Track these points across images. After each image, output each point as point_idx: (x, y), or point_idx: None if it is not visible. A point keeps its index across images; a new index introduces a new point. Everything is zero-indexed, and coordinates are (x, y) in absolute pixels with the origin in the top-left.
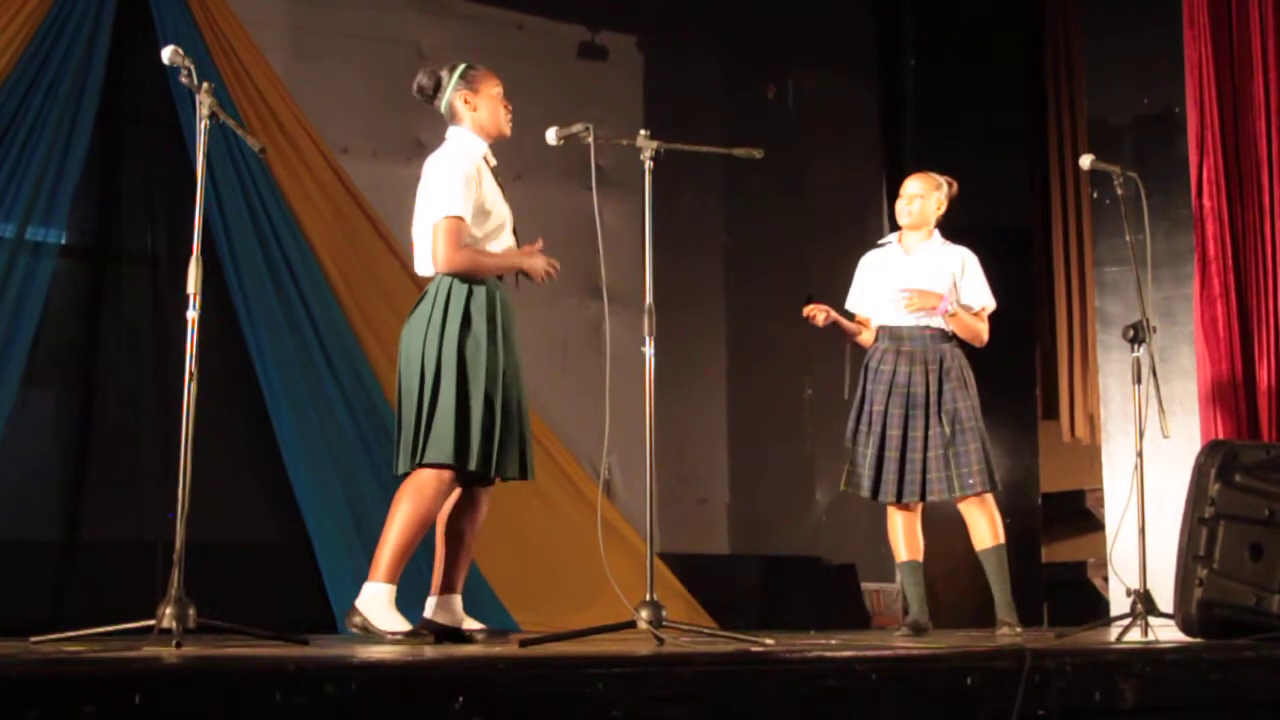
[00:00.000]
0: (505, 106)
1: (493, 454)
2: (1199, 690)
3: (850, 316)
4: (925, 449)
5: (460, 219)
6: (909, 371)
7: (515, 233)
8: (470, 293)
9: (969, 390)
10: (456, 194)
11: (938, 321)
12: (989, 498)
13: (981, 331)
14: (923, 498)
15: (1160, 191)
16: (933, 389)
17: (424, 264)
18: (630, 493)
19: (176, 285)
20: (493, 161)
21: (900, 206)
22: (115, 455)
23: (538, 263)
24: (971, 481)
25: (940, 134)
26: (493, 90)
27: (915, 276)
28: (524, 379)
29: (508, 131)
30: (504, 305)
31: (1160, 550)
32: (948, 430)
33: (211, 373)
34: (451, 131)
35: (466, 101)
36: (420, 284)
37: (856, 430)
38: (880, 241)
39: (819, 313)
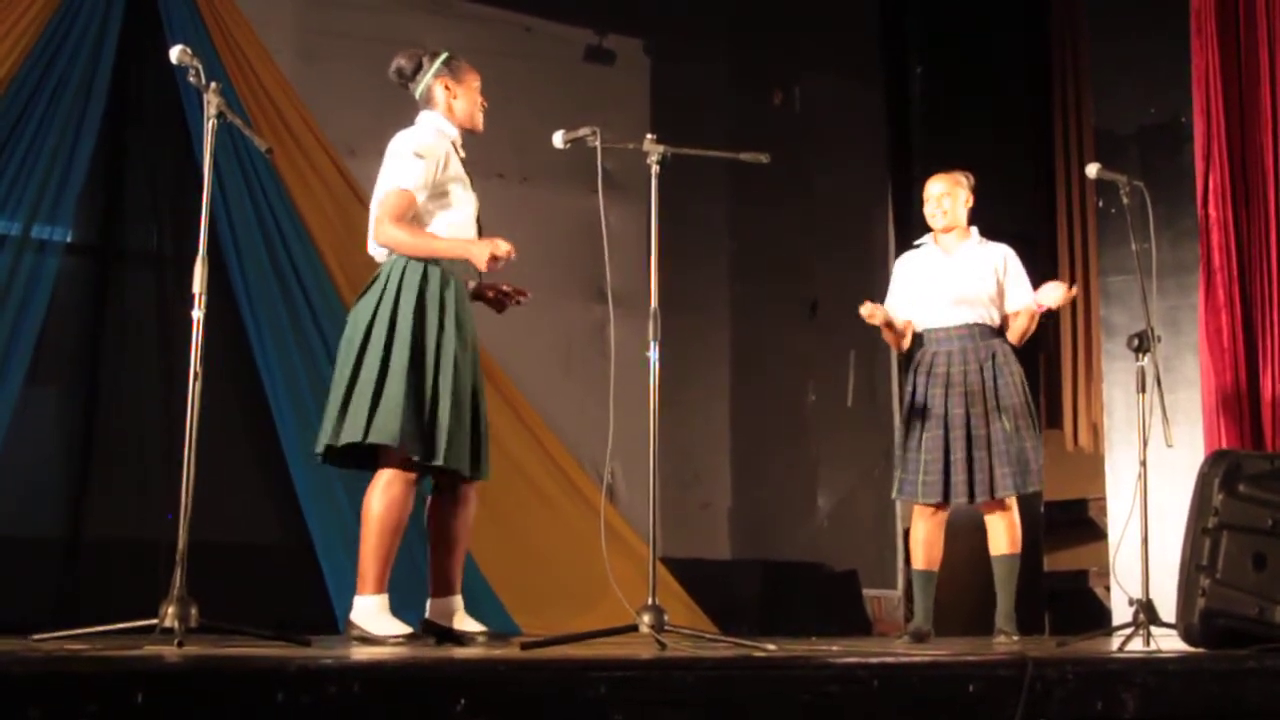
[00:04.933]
0: (482, 102)
1: (440, 441)
2: (1201, 701)
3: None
4: (989, 446)
5: (407, 193)
6: (963, 370)
7: (480, 225)
8: (424, 275)
9: (1015, 391)
10: (413, 169)
11: (985, 318)
12: (1014, 504)
13: (1031, 330)
14: (992, 495)
15: (1166, 201)
16: (988, 384)
17: (374, 243)
18: (633, 497)
19: (181, 284)
20: (462, 154)
21: (929, 210)
22: (118, 454)
23: (482, 249)
24: (1032, 478)
25: (945, 141)
26: (473, 83)
27: (960, 277)
28: (480, 373)
29: (481, 127)
30: (459, 294)
31: (1163, 560)
32: (1009, 425)
33: (215, 372)
34: (423, 114)
35: (448, 89)
36: None
37: (907, 438)
38: (916, 243)
39: (878, 311)
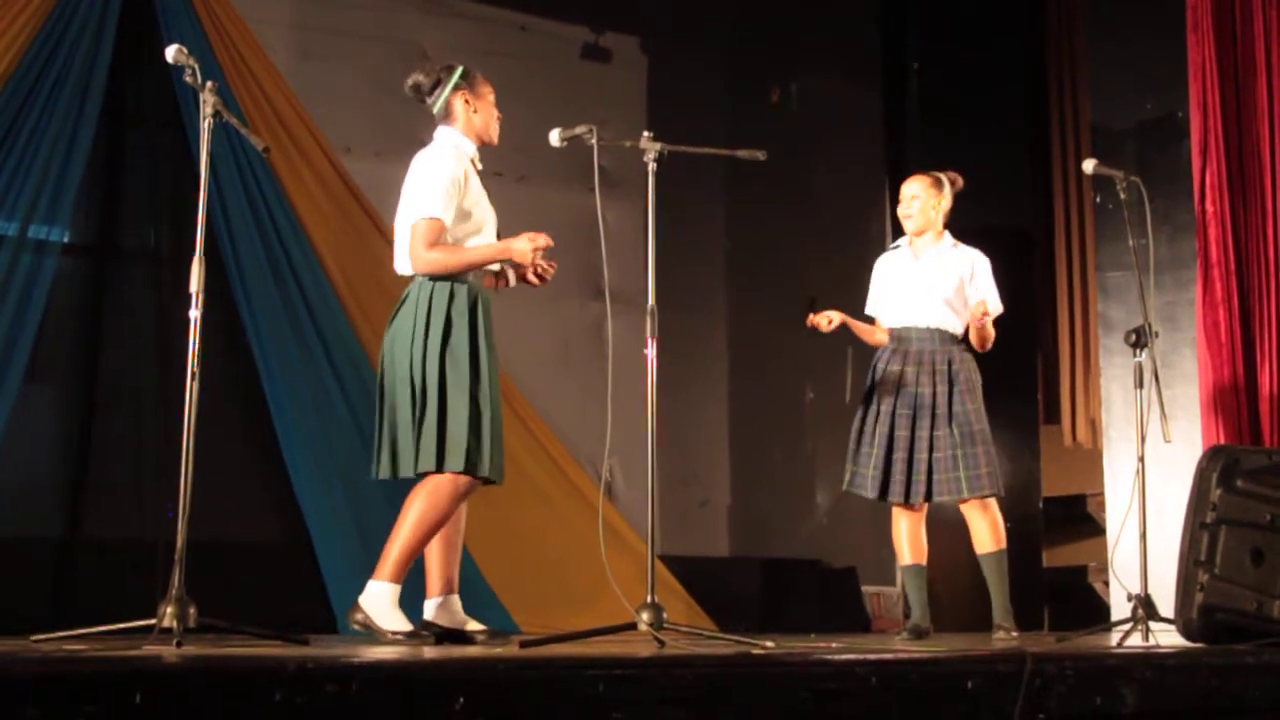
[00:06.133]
0: (498, 114)
1: (499, 457)
2: (1199, 696)
3: (871, 321)
4: (932, 450)
5: (438, 221)
6: (916, 373)
7: (499, 237)
8: (452, 294)
9: (975, 394)
10: (438, 195)
11: (946, 323)
12: (992, 502)
13: (991, 336)
14: (929, 498)
15: (1163, 196)
16: (940, 391)
17: (403, 263)
18: (631, 494)
19: (179, 284)
20: (479, 165)
21: (900, 211)
22: (116, 454)
23: (523, 248)
24: (981, 483)
25: (943, 138)
26: (490, 95)
27: (924, 279)
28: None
29: (496, 139)
30: (485, 306)
31: (1161, 555)
32: (956, 432)
33: (213, 372)
34: (442, 131)
35: (467, 103)
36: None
37: (861, 431)
38: (893, 245)
39: (822, 319)
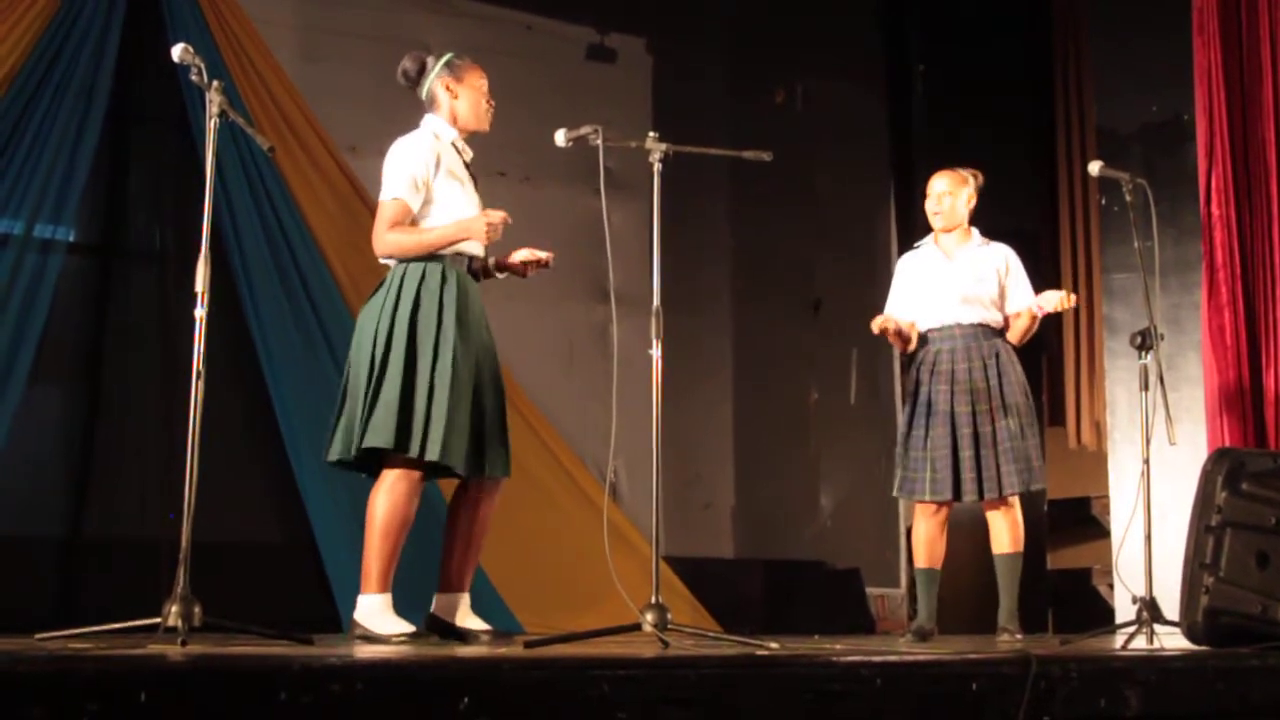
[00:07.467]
0: (488, 101)
1: (435, 438)
2: (1204, 699)
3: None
4: (995, 444)
5: (400, 203)
6: (967, 368)
7: None
8: (423, 275)
9: (1024, 387)
10: (402, 178)
11: (988, 319)
12: (1016, 502)
13: (1034, 330)
14: (1000, 494)
15: (1168, 199)
16: (993, 383)
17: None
18: (636, 496)
19: (184, 283)
20: (468, 154)
21: (930, 207)
22: (121, 453)
23: (477, 224)
24: (1036, 475)
25: (948, 140)
26: (476, 82)
27: (963, 278)
28: (497, 368)
29: (486, 127)
30: (462, 289)
31: (1166, 558)
32: (1014, 424)
33: (218, 371)
34: (426, 118)
35: (448, 89)
36: None
37: (909, 435)
38: (916, 244)
39: (889, 322)
